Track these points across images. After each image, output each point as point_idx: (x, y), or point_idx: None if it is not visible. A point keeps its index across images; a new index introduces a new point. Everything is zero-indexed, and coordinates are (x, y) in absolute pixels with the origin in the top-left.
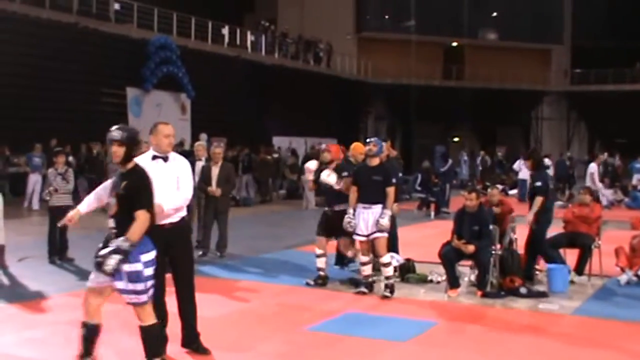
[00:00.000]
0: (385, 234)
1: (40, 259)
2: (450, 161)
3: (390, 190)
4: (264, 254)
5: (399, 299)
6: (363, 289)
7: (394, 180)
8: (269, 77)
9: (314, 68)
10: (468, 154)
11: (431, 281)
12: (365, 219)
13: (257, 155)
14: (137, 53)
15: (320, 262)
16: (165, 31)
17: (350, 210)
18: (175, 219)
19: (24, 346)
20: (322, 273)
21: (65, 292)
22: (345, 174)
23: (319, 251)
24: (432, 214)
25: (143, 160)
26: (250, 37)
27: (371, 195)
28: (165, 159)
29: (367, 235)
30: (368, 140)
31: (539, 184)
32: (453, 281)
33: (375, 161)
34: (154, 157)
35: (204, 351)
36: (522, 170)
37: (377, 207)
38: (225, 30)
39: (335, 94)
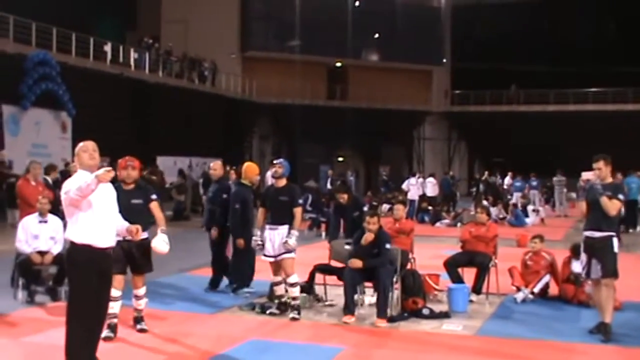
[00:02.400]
0: (293, 255)
1: None
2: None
3: (297, 211)
4: (156, 278)
5: (303, 323)
6: (274, 310)
7: (300, 201)
8: (152, 96)
9: (198, 87)
10: (353, 173)
11: (325, 301)
12: (272, 240)
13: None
14: (13, 69)
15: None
16: (44, 46)
17: (258, 232)
18: (114, 243)
19: None
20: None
21: None
22: None
23: (116, 292)
24: (323, 234)
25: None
26: (133, 55)
27: (278, 216)
28: None
29: (275, 256)
30: (275, 161)
31: None
32: (350, 306)
33: (281, 182)
34: None
35: None
36: (411, 190)
37: (283, 228)
38: (108, 47)
39: (219, 113)
